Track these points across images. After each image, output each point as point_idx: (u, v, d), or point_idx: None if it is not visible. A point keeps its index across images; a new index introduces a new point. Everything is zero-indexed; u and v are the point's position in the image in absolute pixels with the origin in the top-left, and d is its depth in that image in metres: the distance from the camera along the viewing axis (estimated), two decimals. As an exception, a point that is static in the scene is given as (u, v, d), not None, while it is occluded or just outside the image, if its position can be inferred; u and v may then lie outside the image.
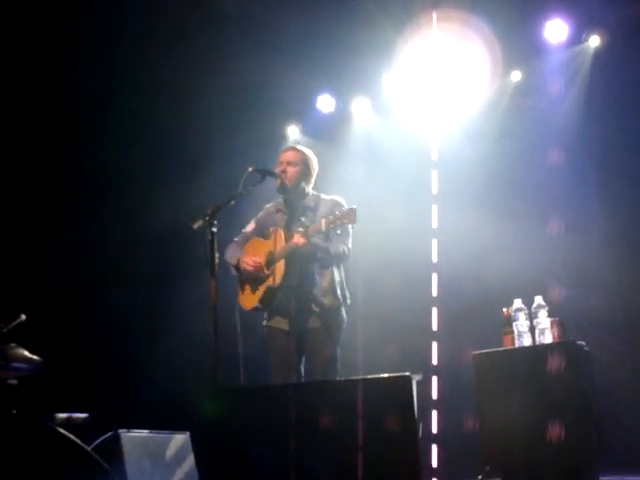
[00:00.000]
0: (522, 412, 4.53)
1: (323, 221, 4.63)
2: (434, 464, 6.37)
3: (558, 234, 6.38)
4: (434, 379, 6.56)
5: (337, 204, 4.97)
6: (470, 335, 6.43)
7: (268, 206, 5.21)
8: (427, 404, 6.35)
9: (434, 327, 6.63)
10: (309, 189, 5.09)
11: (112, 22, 6.94)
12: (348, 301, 5.03)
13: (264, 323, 5.02)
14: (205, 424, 3.97)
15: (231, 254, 5.04)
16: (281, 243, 4.83)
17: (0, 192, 6.91)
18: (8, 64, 6.73)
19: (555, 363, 4.42)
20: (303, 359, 4.94)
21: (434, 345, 6.61)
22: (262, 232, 5.08)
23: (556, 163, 6.60)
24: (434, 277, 6.67)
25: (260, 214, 5.20)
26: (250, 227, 5.17)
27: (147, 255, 7.48)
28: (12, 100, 6.86)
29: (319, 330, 4.87)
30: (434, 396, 6.53)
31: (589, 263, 6.52)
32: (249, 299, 4.99)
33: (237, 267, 4.99)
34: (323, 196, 5.09)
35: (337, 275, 4.97)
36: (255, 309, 4.98)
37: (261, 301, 4.92)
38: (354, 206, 4.63)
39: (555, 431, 4.38)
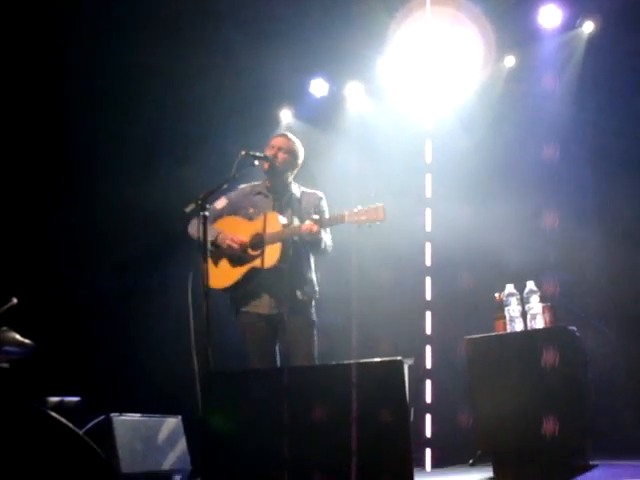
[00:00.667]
0: (514, 397, 4.54)
1: (346, 214, 4.61)
2: (427, 434, 6.43)
3: (552, 227, 6.38)
4: (428, 348, 6.60)
5: (321, 198, 5.04)
6: (463, 312, 6.47)
7: (243, 186, 5.15)
8: (421, 374, 6.39)
9: (428, 297, 6.67)
10: (291, 179, 5.09)
11: (104, 8, 6.90)
12: (317, 295, 5.04)
13: (242, 309, 4.93)
14: (197, 408, 3.97)
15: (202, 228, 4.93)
16: (275, 227, 4.81)
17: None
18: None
19: (550, 356, 4.43)
20: (277, 342, 4.93)
21: (428, 315, 6.65)
22: (236, 211, 5.03)
23: (549, 148, 6.61)
24: (428, 247, 6.71)
25: (232, 193, 5.10)
26: (221, 204, 5.04)
27: (138, 239, 7.46)
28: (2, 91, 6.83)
29: (302, 318, 4.88)
30: (428, 365, 6.58)
31: (582, 249, 6.54)
32: (224, 278, 4.90)
33: (214, 243, 4.88)
34: (303, 188, 5.11)
35: (314, 267, 5.02)
36: (226, 289, 4.91)
37: (239, 281, 4.86)
38: (381, 203, 4.57)
39: (547, 416, 4.40)
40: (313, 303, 4.99)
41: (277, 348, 4.95)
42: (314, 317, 4.97)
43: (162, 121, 7.51)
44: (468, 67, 7.08)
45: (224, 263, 4.94)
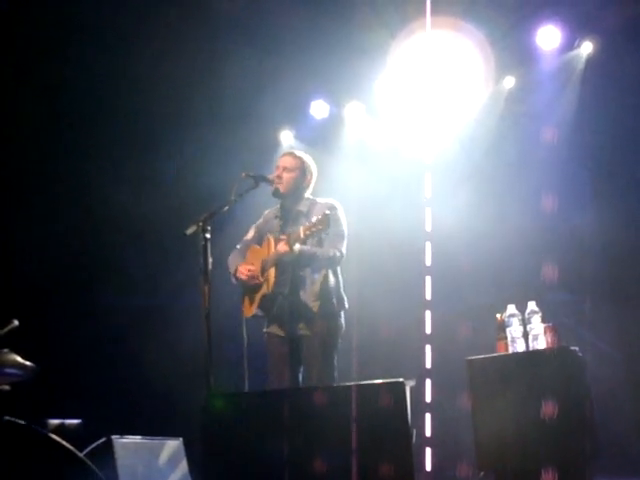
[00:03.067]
0: (515, 417, 4.52)
1: (302, 229, 4.62)
2: (428, 467, 6.39)
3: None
4: (427, 382, 6.57)
5: (330, 207, 4.86)
6: (463, 339, 6.45)
7: (267, 212, 5.19)
8: (421, 407, 6.36)
9: (428, 330, 6.65)
10: (306, 194, 5.05)
11: (104, 23, 6.93)
12: (345, 305, 4.96)
13: (264, 330, 5.00)
14: (199, 430, 3.96)
15: (231, 263, 5.04)
16: (272, 250, 4.83)
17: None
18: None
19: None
20: (301, 368, 4.92)
21: (427, 348, 6.62)
22: (261, 238, 5.06)
23: (549, 168, 6.62)
24: (428, 280, 6.69)
25: (259, 221, 5.18)
26: (250, 234, 5.14)
27: (141, 259, 7.46)
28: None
29: (311, 337, 4.84)
30: (427, 399, 6.55)
31: (583, 268, 6.54)
32: (248, 307, 4.98)
33: (235, 276, 4.97)
34: (319, 200, 5.03)
35: (332, 279, 4.90)
36: (256, 316, 4.96)
37: (260, 308, 4.91)
38: (327, 211, 4.60)
39: (549, 436, 4.38)
40: (333, 318, 4.89)
41: (301, 370, 4.92)
42: (331, 336, 4.87)
43: (163, 140, 7.52)
44: (468, 88, 7.10)
45: (247, 294, 5.01)
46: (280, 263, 4.77)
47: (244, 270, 4.90)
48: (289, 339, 4.87)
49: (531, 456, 4.40)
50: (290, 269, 4.82)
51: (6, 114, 6.90)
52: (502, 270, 6.55)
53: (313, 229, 4.55)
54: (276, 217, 5.09)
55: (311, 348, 4.83)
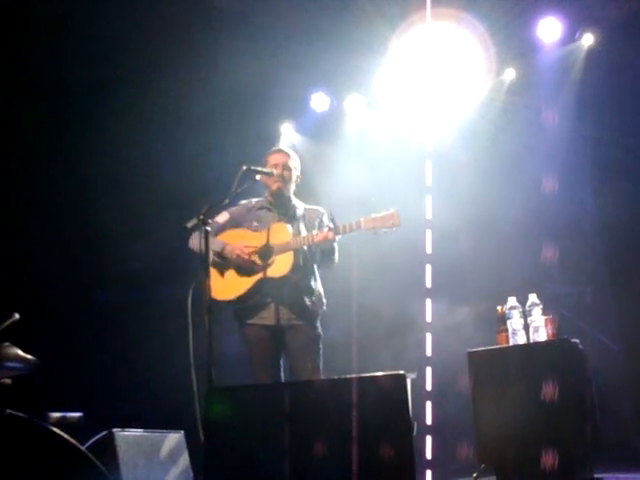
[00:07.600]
0: (516, 410, 4.53)
1: (362, 220, 4.69)
2: (428, 456, 6.40)
3: (553, 240, 6.36)
4: (428, 370, 6.59)
5: (323, 214, 5.09)
6: (464, 330, 6.46)
7: (244, 202, 5.17)
8: (421, 396, 6.37)
9: (428, 318, 6.66)
10: (291, 192, 5.15)
11: (104, 18, 6.91)
12: (325, 307, 5.09)
13: (247, 321, 4.95)
14: (200, 423, 3.96)
15: (211, 241, 4.92)
16: (284, 236, 4.83)
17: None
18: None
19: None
20: (283, 353, 4.96)
21: (428, 336, 6.63)
22: (238, 225, 5.05)
23: (549, 161, 6.62)
24: (428, 268, 6.70)
25: (233, 207, 5.12)
26: (223, 218, 5.05)
27: (140, 253, 7.45)
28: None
29: (309, 330, 4.92)
30: (428, 387, 6.56)
31: (583, 261, 6.54)
32: (232, 289, 4.90)
33: (220, 254, 4.90)
34: (305, 205, 5.18)
35: (319, 278, 5.06)
36: (233, 301, 4.90)
37: (248, 292, 4.86)
38: (395, 209, 4.72)
39: (549, 429, 4.39)
40: (319, 315, 5.01)
41: (281, 361, 4.96)
42: (320, 330, 4.99)
43: (163, 135, 7.52)
44: (468, 80, 7.10)
45: (231, 274, 4.94)
46: (301, 250, 4.82)
47: (245, 250, 4.87)
48: (276, 328, 4.88)
49: (532, 449, 4.41)
50: (306, 259, 4.89)
51: (6, 112, 6.89)
52: (502, 257, 6.55)
53: (379, 224, 4.67)
54: (262, 208, 5.10)
55: (305, 339, 4.88)
